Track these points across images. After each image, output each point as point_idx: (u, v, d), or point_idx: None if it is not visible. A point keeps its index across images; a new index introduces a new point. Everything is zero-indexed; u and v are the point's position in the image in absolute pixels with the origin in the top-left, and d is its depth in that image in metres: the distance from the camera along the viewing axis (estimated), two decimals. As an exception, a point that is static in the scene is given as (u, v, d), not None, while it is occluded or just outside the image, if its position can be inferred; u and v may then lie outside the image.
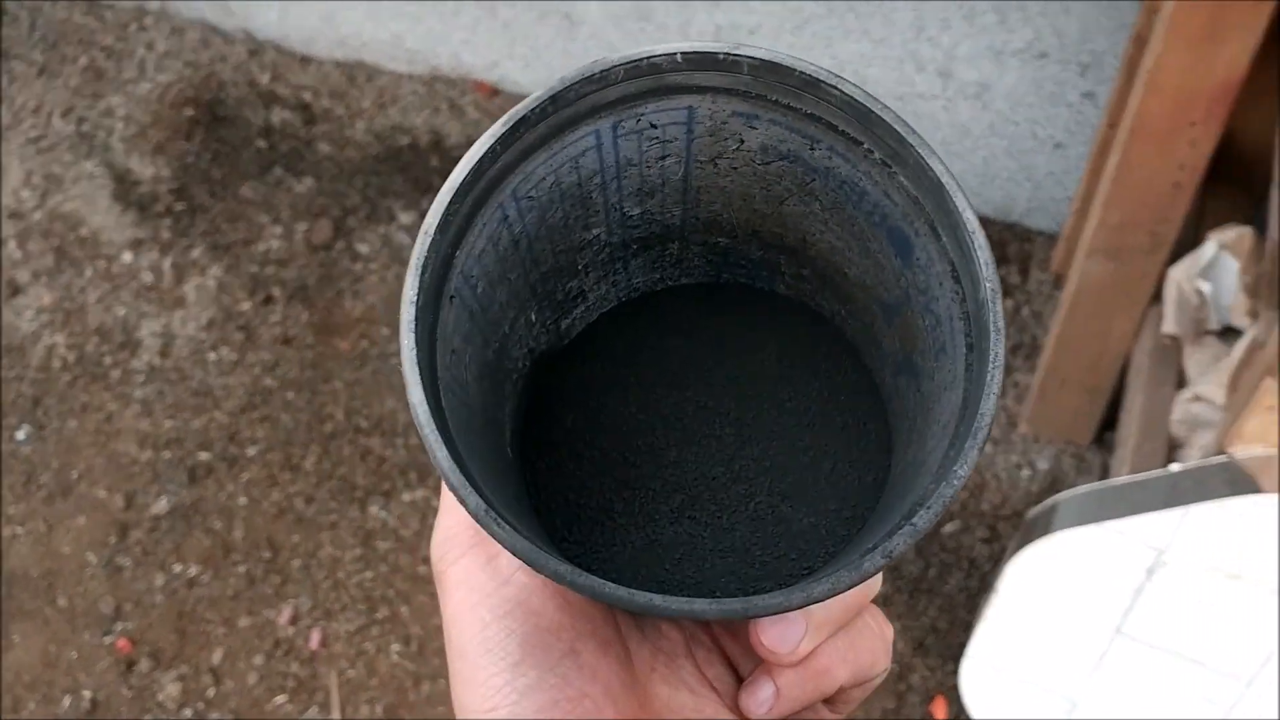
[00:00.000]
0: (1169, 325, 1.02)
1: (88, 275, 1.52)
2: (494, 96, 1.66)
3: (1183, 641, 0.91)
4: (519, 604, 0.33)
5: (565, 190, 0.35)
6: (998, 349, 0.30)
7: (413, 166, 1.63)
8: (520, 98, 1.73)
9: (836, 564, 0.33)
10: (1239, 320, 0.98)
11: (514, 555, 0.29)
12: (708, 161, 0.36)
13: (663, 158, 0.36)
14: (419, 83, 1.67)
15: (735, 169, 0.36)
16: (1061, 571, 0.91)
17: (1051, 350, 1.21)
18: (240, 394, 1.42)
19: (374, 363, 1.43)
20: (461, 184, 0.32)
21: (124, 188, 1.60)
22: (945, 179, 0.32)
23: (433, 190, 1.58)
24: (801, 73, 0.33)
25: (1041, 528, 0.92)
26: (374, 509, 1.34)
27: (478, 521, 0.29)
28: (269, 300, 1.49)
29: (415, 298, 0.31)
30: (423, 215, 1.56)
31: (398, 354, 0.33)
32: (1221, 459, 0.81)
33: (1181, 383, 1.04)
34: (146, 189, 1.60)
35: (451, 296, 0.33)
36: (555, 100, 0.33)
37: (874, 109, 0.32)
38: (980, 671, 1.04)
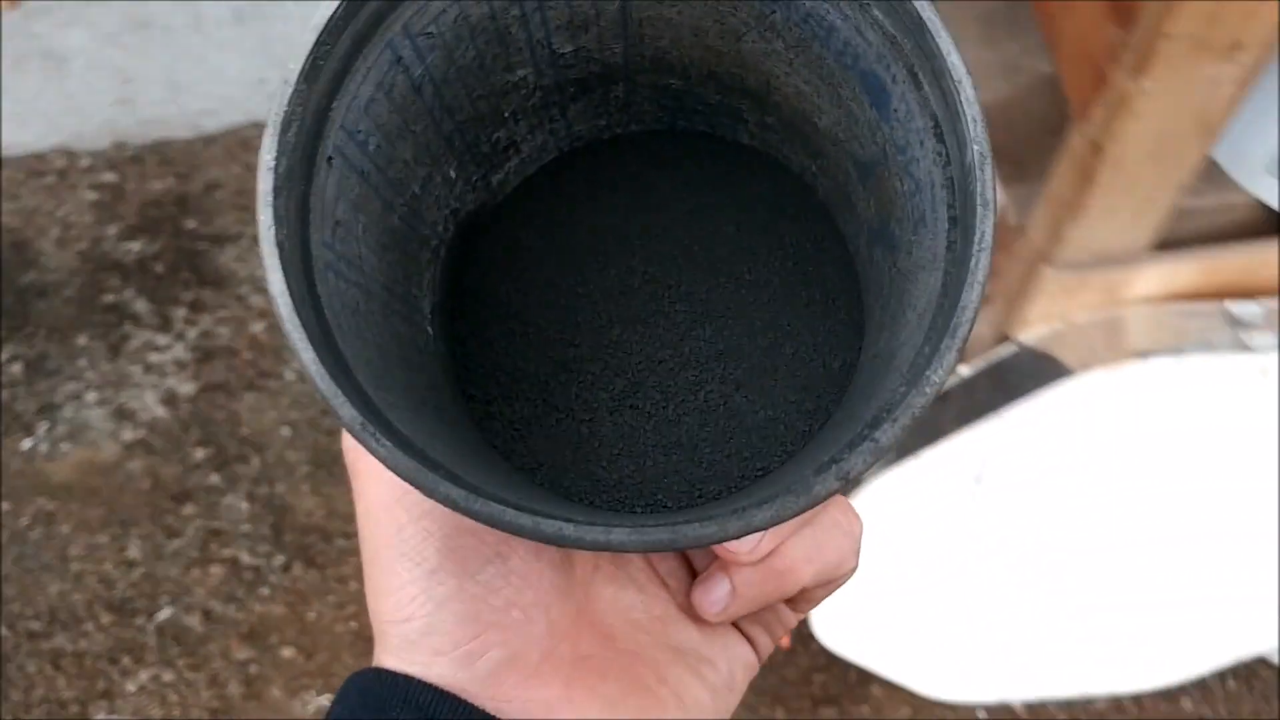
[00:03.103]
0: None
1: None
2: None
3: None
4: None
5: (475, 24, 0.30)
6: (984, 227, 0.26)
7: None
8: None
9: (792, 469, 0.30)
10: None
11: (397, 476, 0.25)
12: None
13: None
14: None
15: None
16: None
17: None
18: None
19: None
20: (331, 19, 0.27)
21: None
22: (927, 15, 0.27)
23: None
24: None
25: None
26: None
27: (352, 435, 0.25)
28: None
29: (273, 163, 0.26)
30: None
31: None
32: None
33: None
34: None
35: (330, 158, 0.28)
36: None
37: None
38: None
